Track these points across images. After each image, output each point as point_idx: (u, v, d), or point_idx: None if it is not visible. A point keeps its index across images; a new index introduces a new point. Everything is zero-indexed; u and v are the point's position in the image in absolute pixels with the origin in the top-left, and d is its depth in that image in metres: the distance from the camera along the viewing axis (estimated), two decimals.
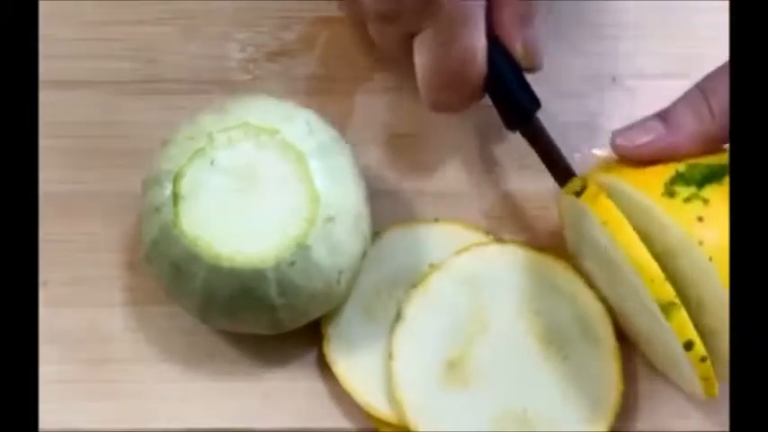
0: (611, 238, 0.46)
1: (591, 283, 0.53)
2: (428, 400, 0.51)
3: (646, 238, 0.46)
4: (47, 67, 0.56)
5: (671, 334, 0.46)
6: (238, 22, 0.59)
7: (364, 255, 0.51)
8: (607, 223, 0.46)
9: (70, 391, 0.53)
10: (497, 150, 0.57)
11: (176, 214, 0.48)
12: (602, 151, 0.56)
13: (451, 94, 0.52)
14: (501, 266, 0.53)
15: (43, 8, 0.54)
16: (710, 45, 0.58)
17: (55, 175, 0.56)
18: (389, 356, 0.51)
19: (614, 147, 0.49)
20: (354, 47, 0.59)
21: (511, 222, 0.56)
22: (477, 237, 0.54)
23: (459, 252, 0.53)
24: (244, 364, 0.53)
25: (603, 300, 0.53)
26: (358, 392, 0.51)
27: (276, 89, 0.57)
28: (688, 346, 0.46)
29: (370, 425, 0.52)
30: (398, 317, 0.52)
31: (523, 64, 0.52)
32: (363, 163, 0.52)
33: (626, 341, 0.53)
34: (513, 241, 0.55)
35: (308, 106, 0.52)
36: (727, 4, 0.48)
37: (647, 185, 0.47)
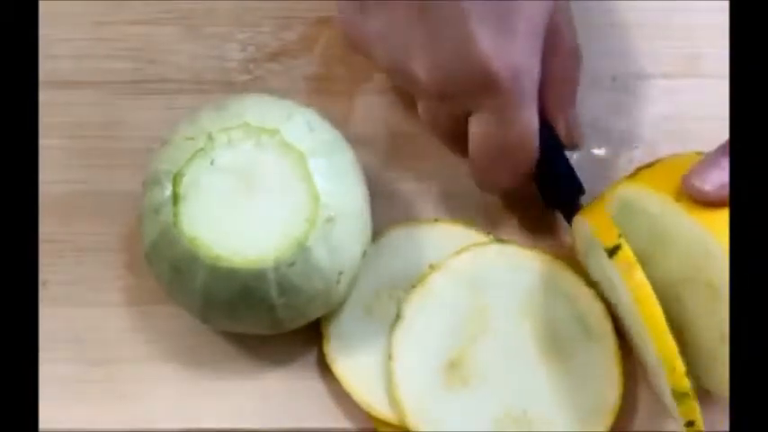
0: (639, 316, 0.46)
1: (591, 282, 0.53)
2: (428, 400, 0.51)
3: (665, 247, 0.47)
4: (47, 67, 0.56)
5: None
6: (239, 22, 0.59)
7: (364, 255, 0.51)
8: (639, 302, 0.46)
9: (70, 391, 0.53)
10: None
11: (176, 214, 0.48)
12: (601, 151, 0.56)
13: (502, 175, 0.52)
14: (501, 266, 0.53)
15: (43, 8, 0.54)
16: (710, 45, 0.59)
17: (55, 175, 0.56)
18: (389, 357, 0.51)
19: (691, 190, 0.47)
20: None
21: (511, 222, 0.56)
22: (477, 237, 0.54)
23: (459, 252, 0.53)
24: (244, 364, 0.53)
25: (604, 299, 0.52)
26: (358, 392, 0.51)
27: (276, 89, 0.57)
28: (689, 424, 0.47)
29: (370, 425, 0.52)
30: (398, 317, 0.52)
31: (566, 143, 0.53)
32: (363, 163, 0.52)
33: (626, 341, 0.53)
34: (513, 241, 0.55)
35: (308, 106, 0.52)
36: (726, 5, 0.48)
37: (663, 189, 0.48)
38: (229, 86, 0.58)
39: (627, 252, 0.47)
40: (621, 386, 0.51)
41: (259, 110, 0.50)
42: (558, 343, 0.52)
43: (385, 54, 0.51)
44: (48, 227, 0.54)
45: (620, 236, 0.47)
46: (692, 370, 0.50)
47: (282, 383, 0.53)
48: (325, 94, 0.58)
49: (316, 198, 0.48)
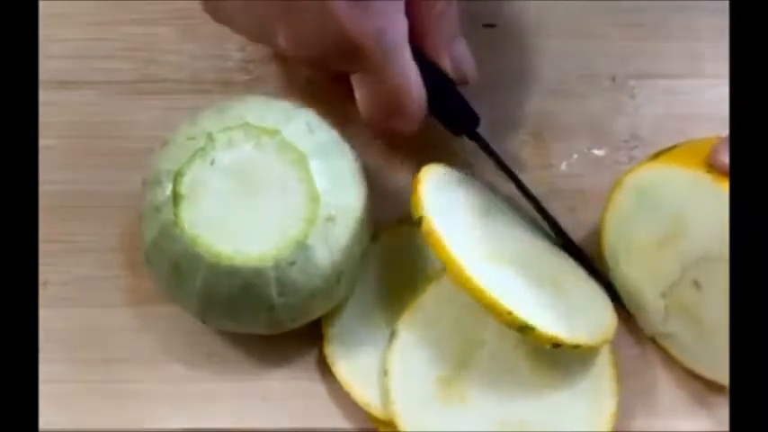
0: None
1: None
2: (423, 416, 0.50)
3: (687, 226, 0.48)
4: (47, 67, 0.56)
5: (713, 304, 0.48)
6: None
7: (364, 254, 0.51)
8: (437, 252, 0.48)
9: (70, 391, 0.53)
10: (498, 150, 0.57)
11: (176, 214, 0.48)
12: (601, 151, 0.56)
13: (396, 124, 0.53)
14: None
15: (43, 8, 0.54)
16: (710, 45, 0.59)
17: (55, 176, 0.56)
18: (384, 373, 0.51)
19: (720, 164, 0.47)
20: None
21: None
22: None
23: None
24: (244, 364, 0.53)
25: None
26: (358, 392, 0.51)
27: (276, 89, 0.57)
28: (556, 345, 0.48)
29: (370, 425, 0.52)
30: (392, 334, 0.52)
31: (456, 78, 0.53)
32: (363, 163, 0.52)
33: (623, 345, 0.53)
34: None
35: (308, 106, 0.52)
36: (727, 5, 0.48)
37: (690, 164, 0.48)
38: (229, 86, 0.58)
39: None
40: (618, 395, 0.51)
41: (259, 110, 0.50)
42: (553, 354, 0.51)
43: (247, 27, 0.52)
44: (48, 227, 0.54)
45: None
46: (712, 364, 0.51)
47: (283, 383, 0.53)
48: (325, 94, 0.57)
49: (316, 198, 0.48)
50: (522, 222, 0.54)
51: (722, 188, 0.47)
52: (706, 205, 0.48)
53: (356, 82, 0.52)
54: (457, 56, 0.53)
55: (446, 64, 0.53)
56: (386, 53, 0.50)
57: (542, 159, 0.56)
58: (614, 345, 0.52)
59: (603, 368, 0.52)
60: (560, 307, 0.50)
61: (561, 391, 0.51)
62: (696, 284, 0.49)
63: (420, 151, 0.57)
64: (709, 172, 0.47)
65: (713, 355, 0.50)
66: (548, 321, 0.48)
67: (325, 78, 0.55)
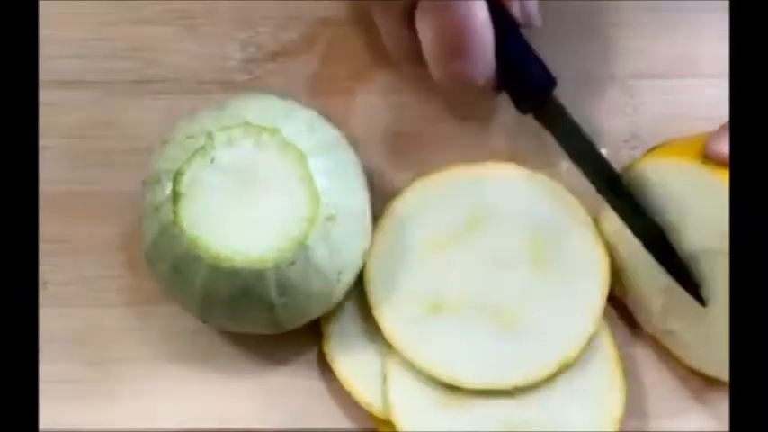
0: None
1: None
2: (423, 420, 0.50)
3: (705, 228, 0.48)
4: (47, 67, 0.56)
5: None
6: (239, 22, 0.59)
7: (364, 254, 0.51)
8: None
9: (70, 391, 0.53)
10: (498, 151, 0.57)
11: (176, 213, 0.48)
12: (602, 151, 0.56)
13: (458, 65, 0.51)
14: None
15: (43, 8, 0.54)
16: (710, 45, 0.59)
17: (55, 175, 0.56)
18: (383, 379, 0.51)
19: (715, 154, 0.48)
20: (354, 47, 0.59)
21: None
22: None
23: None
24: (244, 363, 0.53)
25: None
26: (358, 392, 0.51)
27: (276, 89, 0.57)
28: None
29: (370, 424, 0.52)
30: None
31: (522, 21, 0.52)
32: (363, 163, 0.52)
33: (622, 344, 0.53)
34: None
35: (308, 106, 0.52)
36: (726, 5, 0.48)
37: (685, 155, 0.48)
38: (229, 86, 0.58)
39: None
40: (625, 396, 0.51)
41: (259, 109, 0.50)
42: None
43: None
44: (48, 227, 0.54)
45: None
46: (714, 361, 0.50)
47: (283, 383, 0.53)
48: (325, 94, 0.58)
49: (316, 197, 0.48)
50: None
51: (719, 180, 0.47)
52: (703, 198, 0.48)
53: (420, 14, 0.50)
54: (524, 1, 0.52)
55: (514, 5, 0.51)
56: None
57: (543, 159, 0.56)
58: (617, 344, 0.52)
59: (608, 368, 0.52)
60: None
61: (562, 392, 0.51)
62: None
63: (421, 151, 0.57)
64: (704, 164, 0.48)
65: (714, 352, 0.50)
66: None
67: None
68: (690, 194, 0.49)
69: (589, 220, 0.53)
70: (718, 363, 0.50)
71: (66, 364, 0.53)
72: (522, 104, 0.53)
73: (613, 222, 0.52)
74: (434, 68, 0.51)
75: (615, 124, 0.58)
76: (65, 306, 0.54)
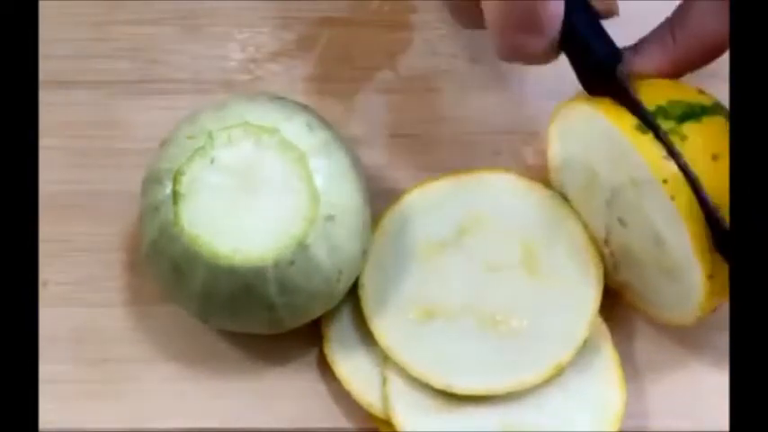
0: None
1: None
2: (424, 422, 0.50)
3: (613, 168, 0.48)
4: (47, 67, 0.56)
5: (667, 247, 0.47)
6: (239, 22, 0.59)
7: (364, 254, 0.51)
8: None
9: (70, 391, 0.53)
10: (499, 151, 0.57)
11: (176, 213, 0.48)
12: None
13: (524, 38, 0.48)
14: None
15: (43, 8, 0.54)
16: None
17: (55, 175, 0.56)
18: (383, 381, 0.51)
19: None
20: (354, 47, 0.59)
21: None
22: None
23: None
24: (244, 363, 0.53)
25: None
26: (358, 392, 0.51)
27: (276, 89, 0.57)
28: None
29: (370, 425, 0.52)
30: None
31: (600, 8, 0.50)
32: (363, 163, 0.52)
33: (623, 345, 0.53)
34: None
35: (307, 106, 0.52)
36: (727, 4, 0.47)
37: (620, 118, 0.47)
38: (229, 86, 0.58)
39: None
40: (625, 396, 0.51)
41: (259, 109, 0.50)
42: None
43: None
44: (48, 227, 0.54)
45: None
46: (662, 305, 0.51)
47: (282, 383, 0.53)
48: (325, 94, 0.58)
49: (316, 197, 0.48)
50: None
51: (605, 115, 0.47)
52: (597, 134, 0.48)
53: None
54: None
55: None
56: None
57: (543, 159, 0.56)
58: (616, 343, 0.52)
59: (608, 368, 0.52)
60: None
61: (563, 393, 0.51)
62: (622, 222, 0.49)
63: (421, 151, 0.57)
64: (588, 100, 0.48)
65: (657, 295, 0.50)
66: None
67: None
68: (589, 137, 0.49)
69: (581, 226, 0.53)
70: (665, 306, 0.50)
71: (66, 364, 0.53)
72: (587, 81, 0.51)
73: (560, 153, 0.52)
74: (497, 39, 0.48)
75: None
76: (65, 306, 0.54)
